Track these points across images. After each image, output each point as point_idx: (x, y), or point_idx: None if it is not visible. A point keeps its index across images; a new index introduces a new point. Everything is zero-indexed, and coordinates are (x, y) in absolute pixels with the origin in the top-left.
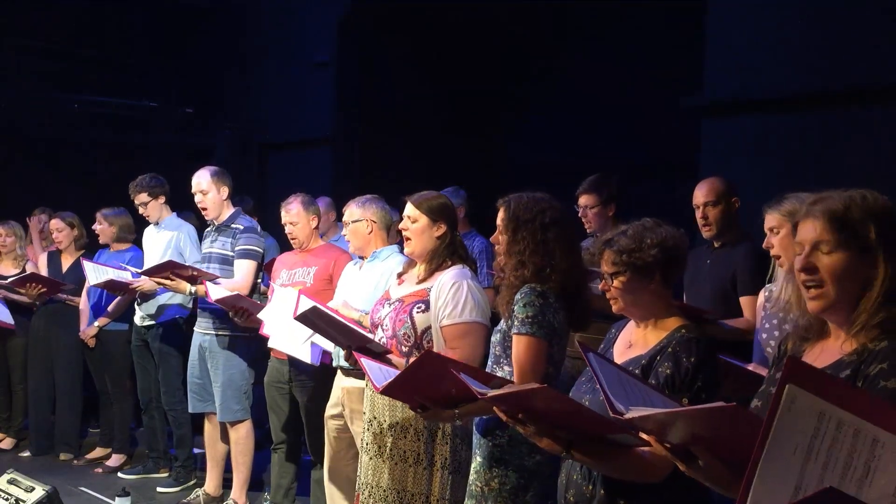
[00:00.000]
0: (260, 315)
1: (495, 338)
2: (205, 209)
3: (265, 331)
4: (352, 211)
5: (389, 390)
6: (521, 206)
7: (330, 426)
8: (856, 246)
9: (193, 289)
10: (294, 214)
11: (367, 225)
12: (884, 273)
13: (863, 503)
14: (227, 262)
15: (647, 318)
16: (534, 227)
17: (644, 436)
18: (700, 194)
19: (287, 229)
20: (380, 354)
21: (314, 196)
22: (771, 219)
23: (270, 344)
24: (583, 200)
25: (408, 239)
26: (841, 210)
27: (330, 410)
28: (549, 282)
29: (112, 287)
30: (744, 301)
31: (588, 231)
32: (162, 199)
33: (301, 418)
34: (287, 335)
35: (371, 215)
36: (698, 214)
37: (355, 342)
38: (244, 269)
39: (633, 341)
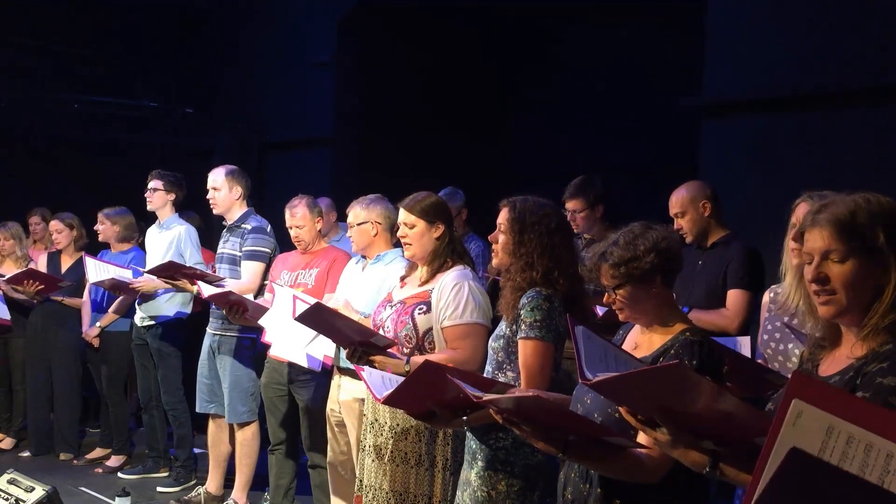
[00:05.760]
0: (261, 322)
1: (497, 343)
2: (215, 205)
3: (267, 338)
4: (356, 213)
5: (391, 400)
6: (527, 209)
7: (331, 422)
8: (866, 252)
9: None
10: (300, 218)
11: (372, 227)
12: (895, 277)
13: (827, 463)
14: (236, 262)
15: (653, 324)
16: (540, 230)
17: (621, 410)
18: (670, 206)
19: (293, 233)
20: (383, 348)
21: (314, 196)
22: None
23: (272, 352)
24: (570, 206)
25: (408, 244)
26: (847, 216)
27: (330, 405)
28: (557, 286)
29: (113, 287)
30: (730, 294)
31: (576, 231)
32: (171, 197)
33: (297, 418)
34: (289, 341)
35: (376, 217)
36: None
37: (359, 336)
38: (250, 271)
39: (638, 343)
